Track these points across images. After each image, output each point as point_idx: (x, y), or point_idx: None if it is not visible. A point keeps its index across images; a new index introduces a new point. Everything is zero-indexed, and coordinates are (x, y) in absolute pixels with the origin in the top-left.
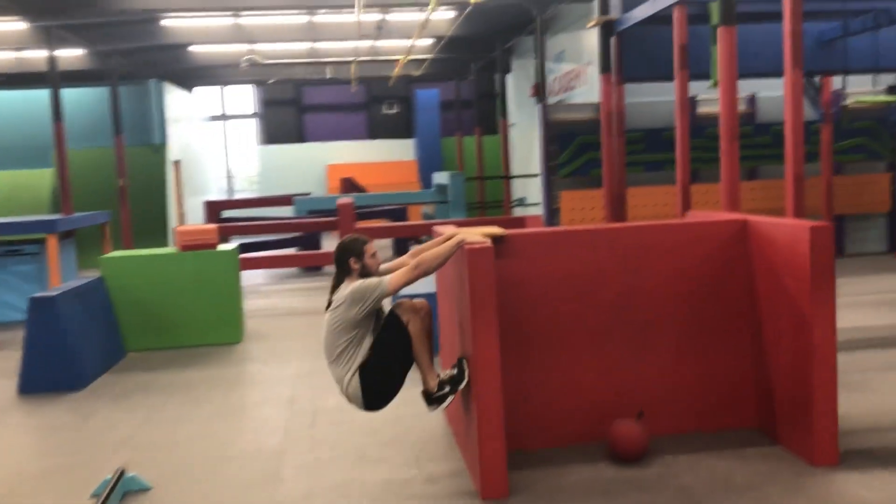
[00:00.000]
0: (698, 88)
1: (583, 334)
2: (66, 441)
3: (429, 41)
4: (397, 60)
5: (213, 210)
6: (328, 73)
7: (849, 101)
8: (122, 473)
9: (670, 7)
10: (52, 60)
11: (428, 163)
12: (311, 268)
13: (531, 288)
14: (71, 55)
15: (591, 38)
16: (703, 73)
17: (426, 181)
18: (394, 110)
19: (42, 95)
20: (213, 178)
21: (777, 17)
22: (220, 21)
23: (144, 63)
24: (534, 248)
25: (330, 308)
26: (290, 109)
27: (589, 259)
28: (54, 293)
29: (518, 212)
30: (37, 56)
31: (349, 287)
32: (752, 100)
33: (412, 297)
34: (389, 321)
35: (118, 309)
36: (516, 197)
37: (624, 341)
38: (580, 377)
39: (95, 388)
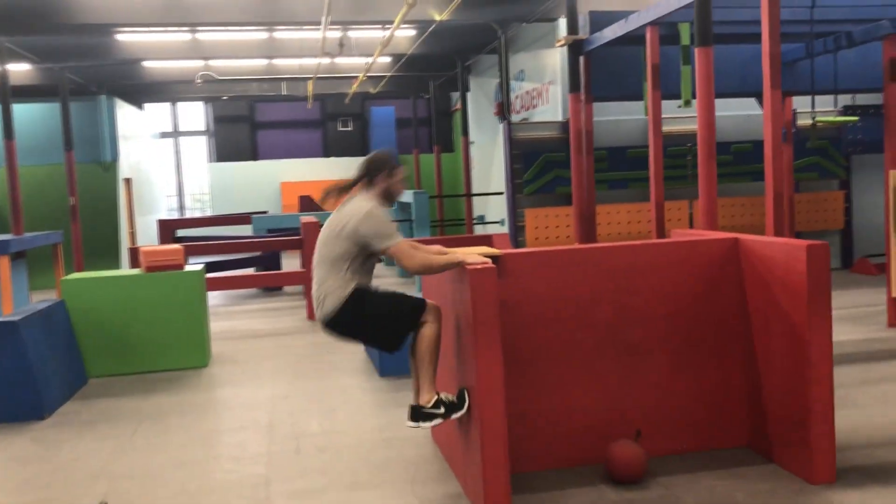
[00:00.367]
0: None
1: (577, 354)
2: (36, 475)
3: (388, 59)
4: (355, 77)
5: (167, 229)
6: (283, 90)
7: (815, 121)
8: None
9: (642, 27)
10: (2, 76)
11: None
12: (270, 288)
13: (524, 308)
14: (19, 70)
15: (552, 58)
16: (668, 93)
17: None
18: (349, 128)
19: None
20: (164, 197)
21: (735, 39)
22: (177, 37)
23: (96, 78)
24: (527, 268)
25: (337, 212)
26: (243, 126)
27: (583, 278)
28: (17, 318)
29: (479, 230)
30: None
31: (368, 206)
32: None
33: None
34: (411, 306)
35: (80, 333)
36: (476, 215)
37: (618, 361)
38: (575, 398)
39: (60, 417)
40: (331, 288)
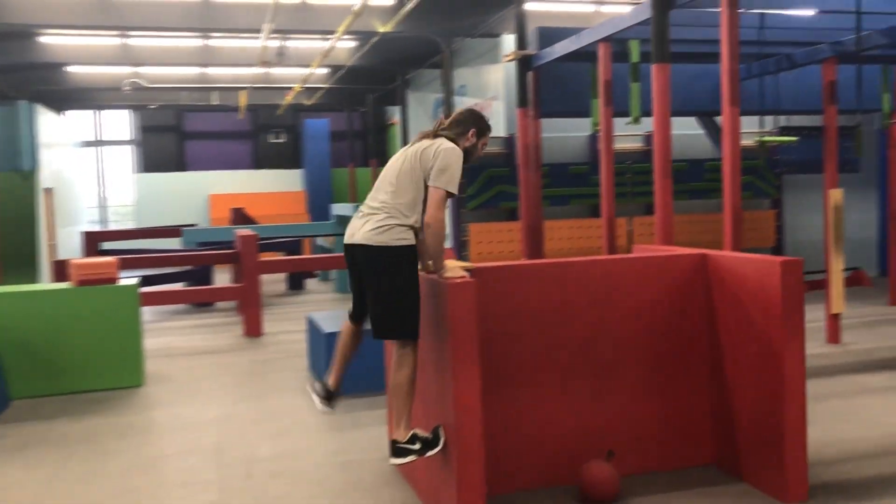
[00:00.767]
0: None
1: (550, 373)
2: None
3: (325, 70)
4: (290, 88)
5: (92, 242)
6: (214, 100)
7: (763, 141)
8: None
9: (593, 44)
10: None
11: (317, 194)
12: (201, 304)
13: (496, 324)
14: None
15: (495, 73)
16: (616, 109)
17: (316, 212)
18: (281, 139)
19: None
20: (86, 208)
21: (677, 58)
22: (105, 40)
23: (16, 83)
24: (499, 283)
25: (415, 146)
26: (171, 136)
27: (555, 294)
28: None
29: None
30: None
31: (456, 148)
32: (648, 138)
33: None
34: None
35: (2, 351)
36: None
37: (590, 379)
38: (547, 417)
39: None
40: (398, 220)
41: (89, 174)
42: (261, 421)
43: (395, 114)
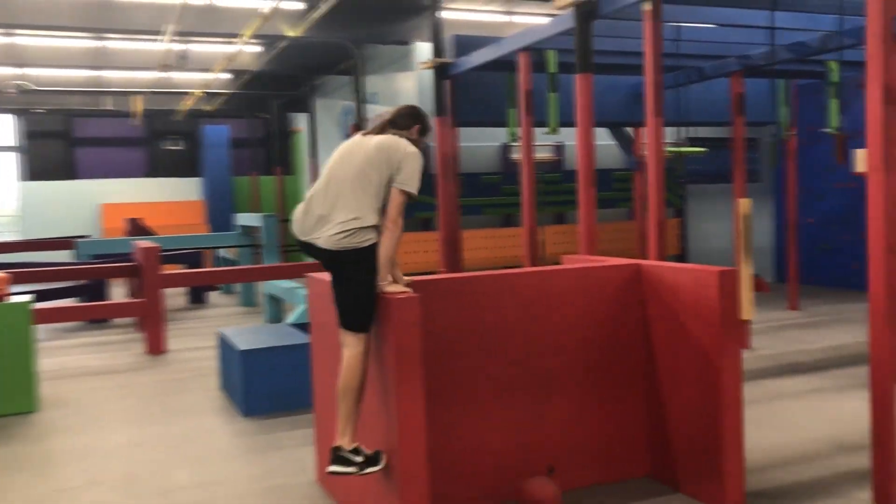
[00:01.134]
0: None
1: (487, 388)
2: None
3: (227, 75)
4: (189, 94)
5: None
6: (107, 104)
7: (678, 151)
8: None
9: (512, 53)
10: None
11: (217, 203)
12: (96, 320)
13: (432, 340)
14: None
15: (407, 81)
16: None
17: (216, 223)
18: (178, 147)
19: None
20: None
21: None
22: None
23: None
24: (435, 297)
25: (363, 141)
26: (59, 142)
27: (493, 307)
28: None
29: None
30: None
31: (414, 148)
32: (559, 148)
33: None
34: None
35: None
36: None
37: (527, 394)
38: (486, 434)
39: None
40: (370, 223)
41: None
42: (174, 446)
43: (299, 121)
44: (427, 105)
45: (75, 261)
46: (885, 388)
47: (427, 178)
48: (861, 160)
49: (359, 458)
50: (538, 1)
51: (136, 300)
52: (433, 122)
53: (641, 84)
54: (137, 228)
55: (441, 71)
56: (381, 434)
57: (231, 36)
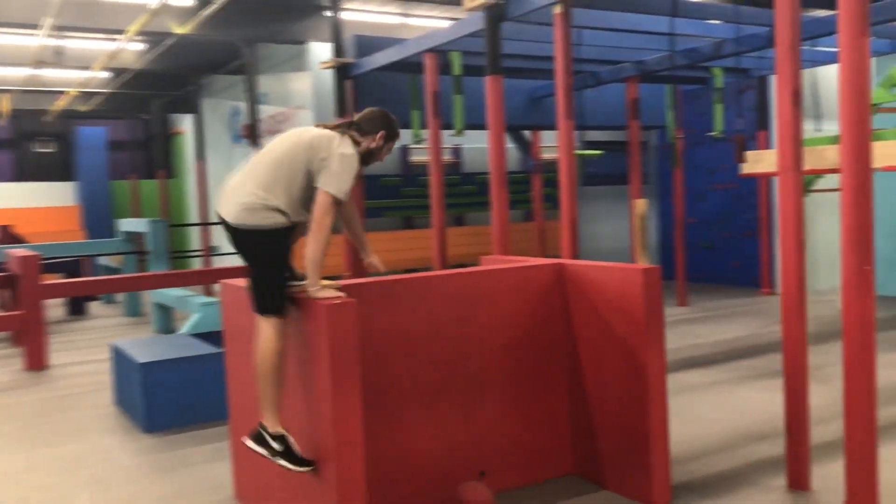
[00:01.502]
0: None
1: (416, 394)
2: None
3: (105, 74)
4: (62, 93)
5: None
6: None
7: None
8: None
9: (419, 54)
10: None
11: (94, 209)
12: None
13: (362, 345)
14: None
15: (301, 82)
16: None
17: (94, 229)
18: (49, 149)
19: None
20: None
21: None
22: None
23: None
24: (364, 300)
25: (302, 133)
26: None
27: (420, 310)
28: None
29: (214, 261)
30: None
31: (351, 150)
32: (457, 151)
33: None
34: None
35: None
36: (211, 246)
37: (456, 398)
38: (414, 440)
39: None
40: (274, 204)
41: None
42: (70, 469)
43: (181, 122)
44: (324, 106)
45: None
46: (797, 378)
47: None
48: (750, 162)
49: (278, 446)
50: (434, 3)
51: (13, 313)
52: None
53: (539, 88)
54: (8, 236)
55: (342, 71)
56: (315, 443)
57: (114, 32)
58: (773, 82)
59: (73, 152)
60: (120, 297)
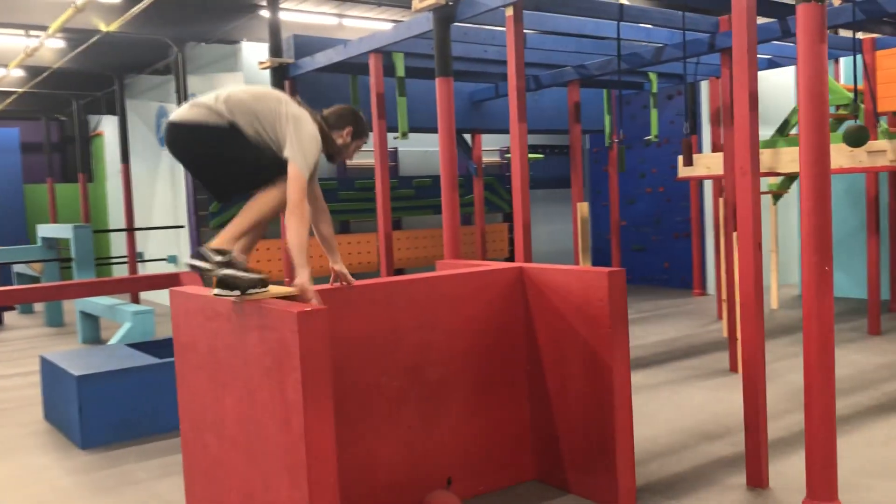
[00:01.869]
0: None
1: (380, 402)
2: None
3: (19, 72)
4: None
5: None
6: None
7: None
8: None
9: (363, 55)
10: None
11: (7, 214)
12: None
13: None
14: None
15: (232, 82)
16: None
17: (6, 235)
18: None
19: None
20: None
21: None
22: None
23: None
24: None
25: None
26: None
27: (383, 316)
28: None
29: (139, 268)
30: None
31: (314, 126)
32: (393, 154)
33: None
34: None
35: None
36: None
37: (420, 405)
38: (378, 448)
39: None
40: (213, 112)
41: None
42: (3, 490)
43: (101, 123)
44: None
45: None
46: (755, 377)
47: None
48: (682, 166)
49: (219, 258)
50: (371, 5)
51: None
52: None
53: (479, 91)
54: None
55: (280, 72)
56: (283, 458)
57: (32, 28)
58: (705, 88)
59: None
60: (38, 306)
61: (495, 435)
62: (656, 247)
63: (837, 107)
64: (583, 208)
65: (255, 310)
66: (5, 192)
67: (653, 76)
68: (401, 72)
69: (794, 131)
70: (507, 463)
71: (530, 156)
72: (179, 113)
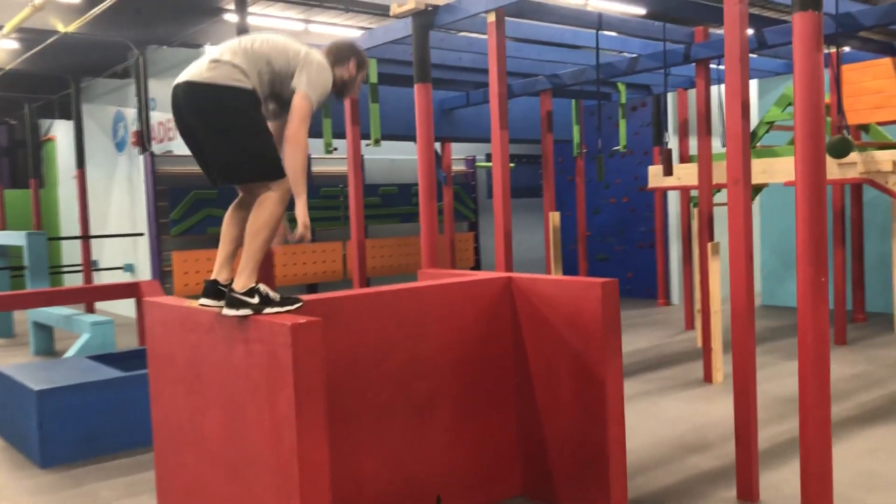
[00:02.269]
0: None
1: (367, 415)
2: None
3: None
4: None
5: None
6: None
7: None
8: None
9: None
10: None
11: None
12: None
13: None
14: None
15: None
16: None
17: None
18: None
19: None
20: None
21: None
22: None
23: None
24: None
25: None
26: None
27: (370, 328)
28: None
29: (94, 277)
30: None
31: (326, 62)
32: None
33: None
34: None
35: None
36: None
37: (407, 419)
38: (365, 465)
39: None
40: (237, 70)
41: None
42: None
43: (52, 127)
44: None
45: None
46: (746, 388)
47: (220, 192)
48: (652, 177)
49: (254, 300)
50: (338, 11)
51: None
52: None
53: (449, 99)
54: None
55: None
56: (272, 476)
57: None
58: (671, 99)
59: None
60: None
61: (484, 449)
62: (620, 257)
63: None
64: (555, 218)
65: (241, 321)
66: None
67: (622, 87)
68: (374, 78)
69: (760, 143)
70: (495, 477)
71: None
72: (196, 72)
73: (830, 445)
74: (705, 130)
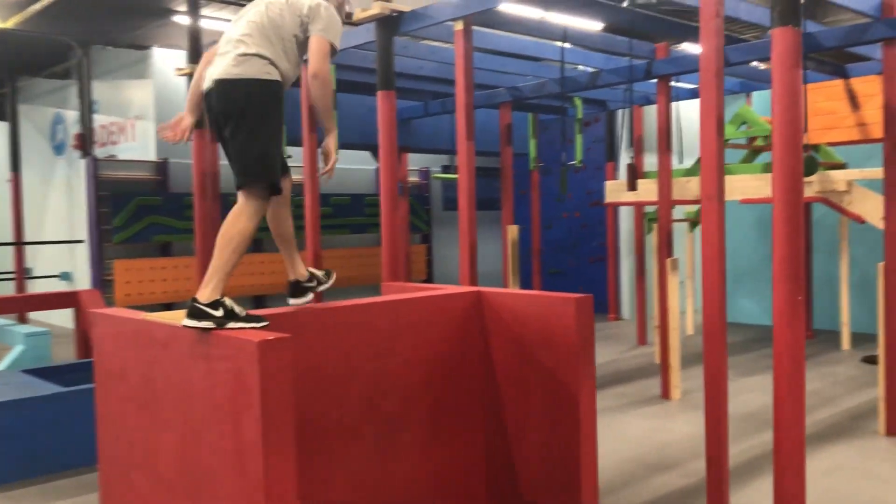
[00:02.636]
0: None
1: (331, 436)
2: None
3: None
4: None
5: None
6: None
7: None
8: None
9: None
10: None
11: None
12: None
13: None
14: None
15: (140, 90)
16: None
17: None
18: None
19: None
20: None
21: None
22: None
23: None
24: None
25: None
26: None
27: (337, 343)
28: None
29: (28, 285)
30: None
31: (329, 7)
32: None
33: None
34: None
35: None
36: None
37: (374, 439)
38: (331, 486)
39: None
40: (263, 52)
41: None
42: None
43: None
44: (168, 117)
45: None
46: (718, 408)
47: (166, 199)
48: (610, 192)
49: (218, 312)
50: None
51: None
52: None
53: (406, 109)
54: None
55: None
56: (236, 499)
57: None
58: (622, 116)
59: None
60: None
61: (453, 467)
62: (573, 271)
63: (752, 139)
64: (513, 231)
65: (202, 336)
66: None
67: (578, 102)
68: (333, 84)
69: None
70: (464, 496)
71: (448, 176)
72: (225, 69)
73: (804, 465)
74: (665, 147)
